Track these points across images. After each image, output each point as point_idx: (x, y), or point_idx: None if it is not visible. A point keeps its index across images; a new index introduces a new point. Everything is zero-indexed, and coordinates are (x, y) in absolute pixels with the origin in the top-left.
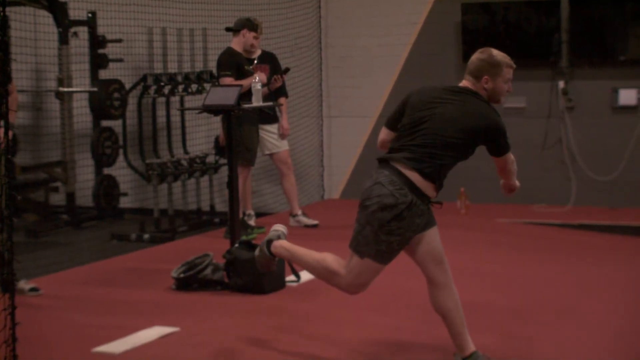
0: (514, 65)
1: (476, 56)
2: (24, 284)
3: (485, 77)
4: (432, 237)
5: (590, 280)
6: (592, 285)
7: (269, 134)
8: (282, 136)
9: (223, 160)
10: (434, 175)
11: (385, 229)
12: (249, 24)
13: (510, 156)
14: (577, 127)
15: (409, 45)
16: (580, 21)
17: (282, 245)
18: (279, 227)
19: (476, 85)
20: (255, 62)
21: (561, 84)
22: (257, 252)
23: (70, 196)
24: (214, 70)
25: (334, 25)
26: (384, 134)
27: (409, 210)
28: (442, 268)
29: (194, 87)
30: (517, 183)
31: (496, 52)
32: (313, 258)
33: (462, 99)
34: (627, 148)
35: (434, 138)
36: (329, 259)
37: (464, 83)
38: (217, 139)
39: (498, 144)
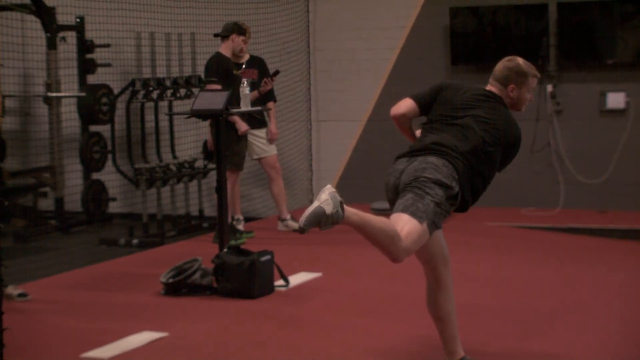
0: (539, 75)
1: (503, 64)
2: (12, 290)
3: (512, 85)
4: (443, 239)
5: (581, 283)
6: (583, 287)
7: (257, 138)
8: (271, 141)
9: (212, 165)
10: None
11: (442, 205)
12: (238, 29)
13: None
14: (566, 131)
15: (398, 49)
16: (568, 25)
17: (352, 209)
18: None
19: (502, 92)
20: (244, 66)
21: (549, 87)
22: (330, 208)
23: (59, 201)
24: (203, 75)
25: (323, 29)
26: (407, 108)
27: (456, 199)
28: (449, 270)
29: (182, 91)
30: None
31: (522, 62)
32: (379, 219)
33: (495, 106)
34: (615, 151)
35: (471, 139)
36: (394, 229)
37: (490, 88)
38: (205, 144)
39: (510, 159)
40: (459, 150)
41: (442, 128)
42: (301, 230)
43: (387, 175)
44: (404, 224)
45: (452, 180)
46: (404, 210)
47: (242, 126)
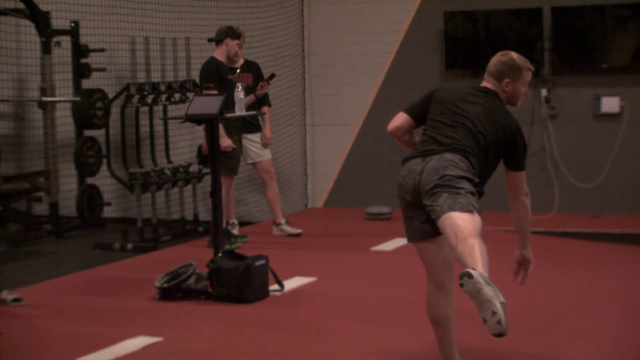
0: (533, 69)
1: (497, 59)
2: (6, 295)
3: (507, 79)
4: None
5: (575, 287)
6: (577, 291)
7: (251, 143)
8: (265, 145)
9: (206, 170)
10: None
11: (475, 194)
12: (232, 32)
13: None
14: (560, 135)
15: (392, 53)
16: (563, 29)
17: (482, 271)
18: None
19: (498, 87)
20: (238, 71)
21: (544, 91)
22: (500, 295)
23: (54, 206)
24: (197, 80)
25: (317, 33)
26: (402, 120)
27: (478, 187)
28: (452, 275)
29: (177, 96)
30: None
31: (516, 56)
32: (482, 253)
33: (492, 101)
34: (609, 155)
35: (475, 135)
36: (472, 237)
37: (485, 84)
38: (200, 148)
39: (523, 153)
40: (468, 145)
41: (445, 127)
42: (501, 336)
43: (402, 177)
44: (465, 222)
45: (471, 174)
46: (451, 209)
47: (224, 141)
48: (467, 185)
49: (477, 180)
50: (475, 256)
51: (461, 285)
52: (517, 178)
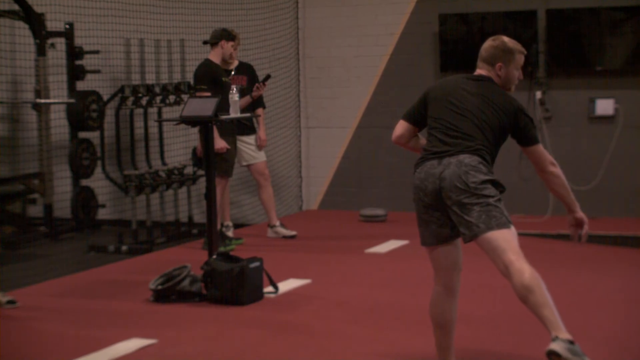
0: (525, 52)
1: (489, 44)
2: (0, 297)
3: (499, 63)
4: (460, 246)
5: (570, 290)
6: (572, 294)
7: (246, 145)
8: (260, 147)
9: (201, 172)
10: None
11: (500, 197)
12: (226, 34)
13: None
14: (555, 137)
15: (387, 55)
16: (557, 32)
17: (565, 332)
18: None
19: (490, 72)
20: (233, 73)
21: (538, 94)
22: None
23: (48, 208)
24: (192, 82)
25: (312, 36)
26: (403, 128)
27: (499, 183)
28: (459, 278)
29: (171, 98)
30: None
31: (508, 40)
32: (545, 298)
33: (487, 85)
34: (604, 158)
35: (479, 126)
36: (526, 271)
37: (479, 71)
38: (194, 150)
39: (531, 127)
40: (478, 139)
41: (449, 124)
42: None
43: (421, 180)
44: (509, 244)
45: (490, 174)
46: (489, 228)
47: (218, 143)
48: (493, 191)
49: (496, 178)
50: (544, 309)
51: None
52: (535, 152)
